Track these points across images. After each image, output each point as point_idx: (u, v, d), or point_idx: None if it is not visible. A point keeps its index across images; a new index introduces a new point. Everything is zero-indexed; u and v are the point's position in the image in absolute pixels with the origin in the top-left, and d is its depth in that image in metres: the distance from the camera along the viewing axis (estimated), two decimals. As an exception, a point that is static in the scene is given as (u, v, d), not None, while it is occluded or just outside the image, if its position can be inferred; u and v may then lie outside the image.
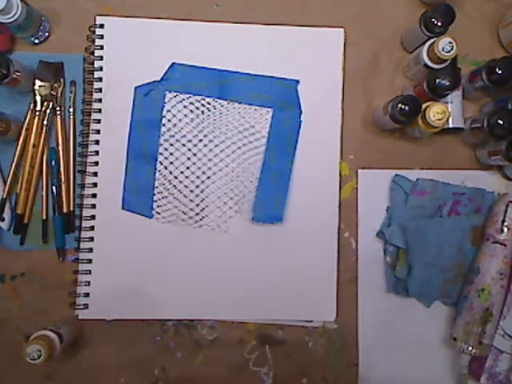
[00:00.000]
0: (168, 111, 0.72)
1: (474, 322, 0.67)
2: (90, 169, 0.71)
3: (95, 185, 0.71)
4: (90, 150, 0.71)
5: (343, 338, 0.73)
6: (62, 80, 0.71)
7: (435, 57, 0.67)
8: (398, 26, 0.75)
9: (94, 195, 0.71)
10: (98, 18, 0.72)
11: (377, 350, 0.73)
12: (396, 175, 0.73)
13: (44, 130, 0.70)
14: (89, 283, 0.70)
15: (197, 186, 0.72)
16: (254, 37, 0.74)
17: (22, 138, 0.70)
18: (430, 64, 0.68)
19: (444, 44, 0.66)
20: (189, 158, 0.72)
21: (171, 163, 0.72)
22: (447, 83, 0.66)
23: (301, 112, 0.73)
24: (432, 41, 0.68)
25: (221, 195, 0.72)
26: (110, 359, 0.71)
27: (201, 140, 0.72)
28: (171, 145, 0.72)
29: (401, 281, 0.71)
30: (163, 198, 0.72)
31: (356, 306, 0.73)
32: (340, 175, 0.74)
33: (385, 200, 0.74)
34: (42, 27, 0.71)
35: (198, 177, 0.72)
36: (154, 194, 0.72)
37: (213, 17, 0.74)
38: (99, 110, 0.71)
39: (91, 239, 0.71)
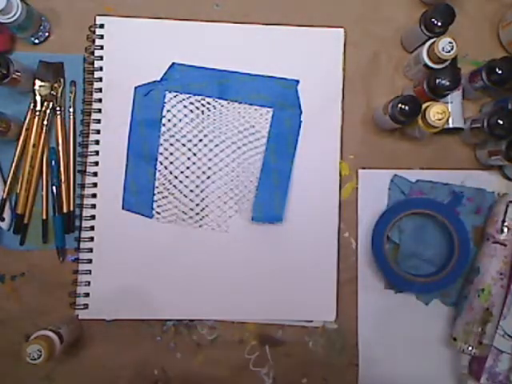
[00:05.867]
0: (168, 111, 0.72)
1: (474, 322, 0.67)
2: (90, 169, 0.71)
3: (95, 185, 0.71)
4: (89, 149, 0.71)
5: (343, 338, 0.73)
6: (62, 80, 0.71)
7: (435, 57, 0.67)
8: (398, 26, 0.75)
9: (94, 195, 0.71)
10: (97, 17, 0.72)
11: (377, 350, 0.73)
12: (394, 175, 0.73)
13: (44, 130, 0.70)
14: (89, 283, 0.70)
15: (197, 186, 0.72)
16: (254, 37, 0.74)
17: (22, 138, 0.70)
18: (430, 64, 0.68)
19: (444, 44, 0.66)
20: (189, 158, 0.72)
21: (171, 163, 0.72)
22: (447, 83, 0.66)
23: (301, 112, 0.73)
24: (432, 41, 0.68)
25: (221, 195, 0.72)
26: (109, 359, 0.71)
27: (201, 140, 0.72)
28: (171, 145, 0.72)
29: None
30: (163, 197, 0.72)
31: (356, 306, 0.73)
32: (340, 175, 0.73)
33: (385, 200, 0.74)
34: (42, 27, 0.71)
35: (198, 177, 0.72)
36: (154, 194, 0.72)
37: (213, 17, 0.74)
38: (99, 110, 0.71)
39: (91, 239, 0.71)
